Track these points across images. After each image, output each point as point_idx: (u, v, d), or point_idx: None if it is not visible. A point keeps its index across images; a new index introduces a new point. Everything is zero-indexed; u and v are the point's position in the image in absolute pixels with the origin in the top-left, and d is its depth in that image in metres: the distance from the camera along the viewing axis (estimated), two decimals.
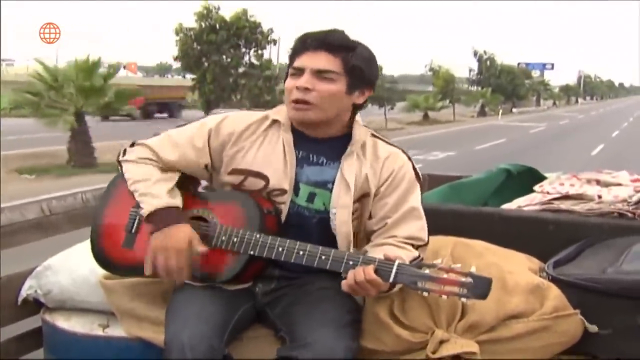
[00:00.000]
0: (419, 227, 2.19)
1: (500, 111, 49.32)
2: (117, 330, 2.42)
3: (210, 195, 2.28)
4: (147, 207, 2.14)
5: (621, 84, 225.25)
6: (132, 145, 2.30)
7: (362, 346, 2.16)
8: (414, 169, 2.24)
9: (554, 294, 2.19)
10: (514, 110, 59.59)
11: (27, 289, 2.58)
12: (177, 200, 2.18)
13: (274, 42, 27.03)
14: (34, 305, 2.61)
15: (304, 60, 2.14)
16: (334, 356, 1.98)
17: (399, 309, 2.18)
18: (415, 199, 2.21)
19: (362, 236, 2.23)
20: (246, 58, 27.10)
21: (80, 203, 2.87)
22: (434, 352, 2.10)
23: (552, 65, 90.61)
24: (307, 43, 2.16)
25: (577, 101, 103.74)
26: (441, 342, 2.11)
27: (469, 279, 1.90)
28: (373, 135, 2.25)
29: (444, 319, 2.15)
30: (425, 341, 2.13)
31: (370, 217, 2.20)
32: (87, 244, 2.46)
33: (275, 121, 2.23)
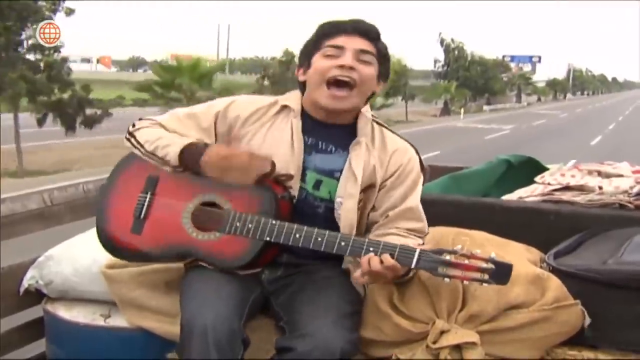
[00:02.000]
0: (418, 219, 2.21)
1: (463, 110, 43.10)
2: (118, 320, 2.43)
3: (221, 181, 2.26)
4: (174, 151, 2.14)
5: (614, 79, 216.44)
6: (140, 120, 2.30)
7: (362, 336, 2.17)
8: (421, 162, 2.25)
9: (555, 284, 2.19)
10: (486, 107, 52.41)
11: (29, 279, 2.58)
12: (196, 140, 2.19)
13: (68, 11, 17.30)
14: (36, 296, 2.61)
15: (343, 41, 2.14)
16: (333, 347, 1.97)
17: (399, 299, 2.19)
18: (417, 195, 2.22)
19: (363, 226, 2.24)
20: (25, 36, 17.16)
21: (82, 193, 2.87)
22: (434, 342, 2.10)
23: (539, 58, 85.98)
24: (342, 26, 2.16)
25: (565, 97, 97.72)
26: (442, 332, 2.11)
27: (490, 265, 1.91)
28: (379, 125, 2.25)
29: (444, 309, 2.16)
30: (425, 331, 2.14)
31: (374, 209, 2.21)
32: (88, 234, 2.47)
33: (284, 107, 2.22)
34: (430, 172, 3.56)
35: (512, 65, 75.99)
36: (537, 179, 3.00)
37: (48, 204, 2.73)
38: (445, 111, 43.42)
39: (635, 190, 2.71)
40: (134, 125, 2.27)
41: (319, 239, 2.04)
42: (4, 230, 2.55)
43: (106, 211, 2.29)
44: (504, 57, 75.51)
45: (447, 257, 1.94)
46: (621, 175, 2.86)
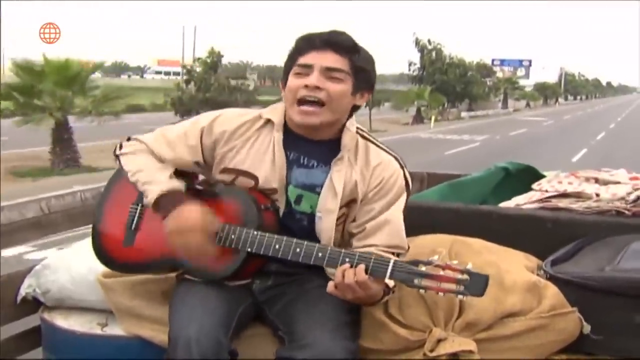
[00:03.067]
0: (396, 234, 2.17)
1: (433, 118, 37.80)
2: (115, 329, 2.42)
3: (207, 192, 2.27)
4: (152, 194, 2.14)
5: (609, 83, 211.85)
6: (128, 139, 2.30)
7: (361, 345, 2.16)
8: (405, 177, 2.22)
9: (552, 292, 2.19)
10: (465, 114, 45.66)
11: (26, 288, 2.58)
12: (180, 184, 2.18)
13: None
14: (33, 304, 2.61)
15: (311, 58, 2.11)
16: (333, 357, 1.97)
17: (395, 308, 2.19)
18: (398, 207, 2.18)
19: (347, 239, 2.22)
20: None
21: (79, 202, 2.87)
22: (431, 351, 2.10)
23: (530, 61, 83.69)
24: (313, 42, 2.13)
25: (557, 101, 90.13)
26: (439, 340, 2.11)
27: (466, 276, 1.90)
28: (365, 138, 2.23)
29: (441, 317, 2.15)
30: (423, 340, 2.13)
31: (353, 221, 2.20)
32: (85, 243, 2.47)
33: (268, 121, 2.21)
34: (427, 179, 3.58)
35: (502, 69, 73.21)
36: (535, 186, 3.01)
37: (45, 212, 2.73)
38: (418, 119, 38.71)
39: (632, 197, 2.71)
40: (120, 147, 2.28)
41: (297, 250, 2.05)
42: (2, 239, 2.55)
43: (100, 223, 2.31)
44: (493, 60, 72.81)
45: (423, 269, 1.93)
46: (618, 182, 2.86)
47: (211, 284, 2.16)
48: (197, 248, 2.08)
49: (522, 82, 79.35)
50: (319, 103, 2.10)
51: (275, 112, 2.21)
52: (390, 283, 2.03)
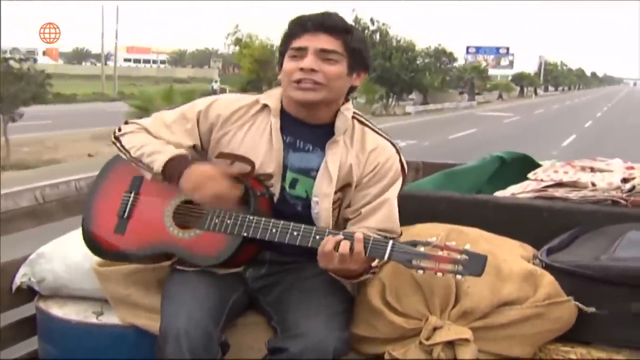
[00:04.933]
0: (390, 218, 2.18)
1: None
2: (111, 318, 2.42)
3: None
4: (159, 162, 2.13)
5: (594, 73, 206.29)
6: (126, 123, 2.30)
7: (355, 333, 2.17)
8: (400, 161, 2.23)
9: (547, 280, 2.19)
10: (411, 109, 37.61)
11: (21, 277, 2.58)
12: (186, 152, 2.18)
13: None
14: (28, 293, 2.60)
15: (305, 41, 2.12)
16: (326, 347, 1.98)
17: (392, 296, 2.19)
18: (393, 192, 2.20)
19: (341, 224, 2.22)
20: None
21: (74, 191, 2.86)
22: (427, 339, 2.11)
23: (507, 49, 79.02)
24: (306, 24, 2.13)
25: (535, 92, 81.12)
26: (435, 328, 2.12)
27: (464, 256, 1.90)
28: (361, 123, 2.24)
29: (437, 305, 2.16)
30: (418, 328, 2.14)
31: (348, 206, 2.20)
32: (80, 232, 2.45)
33: (265, 106, 2.22)
34: (423, 168, 3.58)
35: (485, 58, 68.18)
36: (530, 175, 3.01)
37: (40, 201, 2.72)
38: None
39: (628, 186, 2.71)
40: (120, 130, 2.27)
41: (295, 233, 2.05)
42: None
43: (91, 211, 2.31)
44: (467, 48, 69.75)
45: (421, 249, 1.93)
46: (614, 172, 2.86)
47: (202, 273, 2.16)
48: (223, 193, 2.08)
49: (505, 72, 75.25)
50: (317, 83, 2.10)
51: (272, 98, 2.22)
52: (373, 264, 2.04)
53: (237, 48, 32.31)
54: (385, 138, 2.24)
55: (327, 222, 2.15)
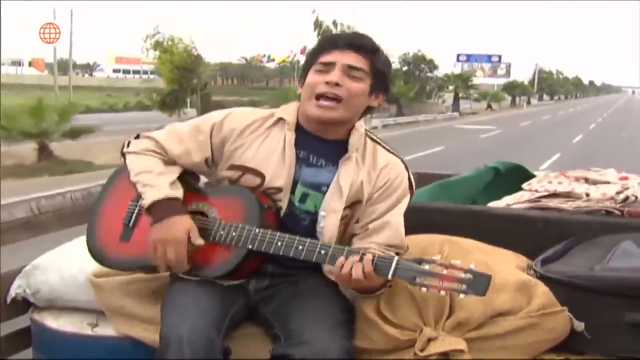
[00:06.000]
0: (397, 234, 2.21)
1: None
2: (106, 329, 2.42)
3: (209, 190, 2.28)
4: (148, 198, 2.15)
5: (591, 82, 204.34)
6: (137, 137, 2.30)
7: (354, 345, 2.17)
8: (409, 179, 2.26)
9: (542, 291, 2.20)
10: (377, 122, 31.82)
11: (16, 288, 2.57)
12: (179, 192, 2.19)
13: None
14: (23, 305, 2.60)
15: (333, 57, 2.16)
16: (330, 355, 1.98)
17: (386, 307, 2.19)
18: (400, 208, 2.23)
19: (346, 241, 2.23)
20: None
21: (69, 202, 2.86)
22: (422, 350, 2.11)
23: (499, 57, 76.60)
24: (337, 42, 2.19)
25: (529, 102, 78.94)
26: (429, 340, 2.12)
27: (469, 275, 1.91)
28: (373, 140, 2.27)
29: (432, 316, 2.16)
30: (413, 339, 2.14)
31: (357, 222, 2.22)
32: (76, 243, 2.46)
33: (280, 119, 2.24)
34: (418, 179, 3.58)
35: (482, 66, 65.85)
36: (525, 185, 3.02)
37: (35, 212, 2.73)
38: None
39: (621, 196, 2.72)
40: (128, 144, 2.28)
41: (300, 247, 2.06)
42: None
43: (97, 219, 2.31)
44: (458, 56, 68.26)
45: (426, 267, 1.94)
46: (608, 182, 2.87)
47: (204, 283, 2.16)
48: (174, 260, 2.12)
49: (502, 81, 72.47)
50: (337, 99, 2.14)
51: (288, 111, 2.25)
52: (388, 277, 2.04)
53: (157, 53, 27.50)
54: (395, 155, 2.28)
55: (331, 237, 2.16)
